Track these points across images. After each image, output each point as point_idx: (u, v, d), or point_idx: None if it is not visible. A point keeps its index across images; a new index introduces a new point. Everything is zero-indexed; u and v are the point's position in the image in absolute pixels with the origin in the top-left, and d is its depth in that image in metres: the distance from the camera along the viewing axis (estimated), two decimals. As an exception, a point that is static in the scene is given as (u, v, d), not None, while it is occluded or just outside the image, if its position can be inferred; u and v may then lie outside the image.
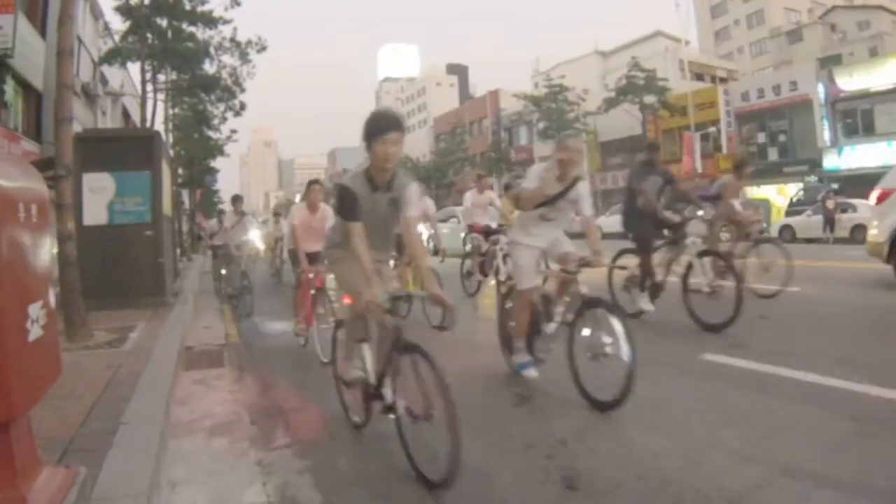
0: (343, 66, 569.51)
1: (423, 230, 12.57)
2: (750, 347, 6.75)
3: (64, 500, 2.92)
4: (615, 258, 9.53)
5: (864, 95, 36.94)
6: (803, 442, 4.14)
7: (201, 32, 23.41)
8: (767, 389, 5.30)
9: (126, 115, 34.80)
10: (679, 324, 8.37)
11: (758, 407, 4.82)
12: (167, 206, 13.49)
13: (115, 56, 23.09)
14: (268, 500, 3.68)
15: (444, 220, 23.60)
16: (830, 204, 26.82)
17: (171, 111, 30.73)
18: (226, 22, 23.47)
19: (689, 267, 8.37)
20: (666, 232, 8.72)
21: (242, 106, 27.56)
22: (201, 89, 25.77)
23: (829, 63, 44.05)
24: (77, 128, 13.06)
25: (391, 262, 5.11)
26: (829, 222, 26.58)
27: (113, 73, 29.81)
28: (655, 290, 8.81)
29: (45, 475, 2.97)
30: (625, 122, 46.16)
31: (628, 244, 9.09)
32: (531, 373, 5.80)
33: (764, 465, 3.80)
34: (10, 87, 18.98)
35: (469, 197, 12.88)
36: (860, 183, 32.87)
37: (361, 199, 4.32)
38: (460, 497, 3.64)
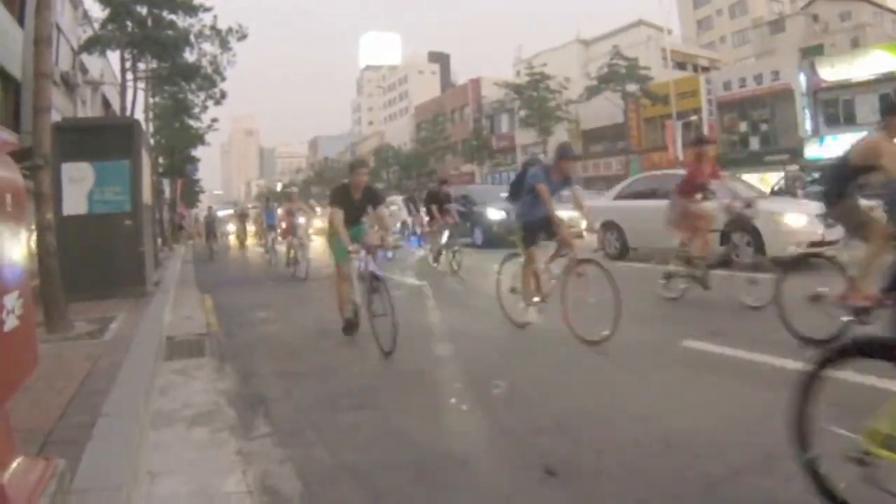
0: (324, 54, 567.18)
1: None
2: (729, 334, 6.79)
3: (43, 492, 2.91)
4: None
5: (846, 86, 37.23)
6: (782, 427, 4.17)
7: (181, 20, 23.24)
8: (746, 375, 5.35)
9: (106, 104, 34.50)
10: (659, 311, 8.44)
11: (737, 393, 4.87)
12: (147, 196, 13.43)
13: (95, 44, 22.87)
14: (248, 490, 3.68)
15: None
16: (799, 192, 26.42)
17: (151, 100, 30.53)
18: (206, 10, 23.31)
19: None
20: None
21: (223, 94, 27.39)
22: (181, 78, 25.57)
23: (811, 53, 44.43)
24: (56, 117, 12.92)
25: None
26: None
27: (93, 62, 29.50)
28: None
29: (24, 467, 2.96)
30: (607, 110, 46.23)
31: None
32: None
33: (742, 451, 3.84)
34: (-13, 76, 18.78)
35: None
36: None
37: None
38: (439, 484, 3.67)
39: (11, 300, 2.80)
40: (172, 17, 22.99)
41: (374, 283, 7.30)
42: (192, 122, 35.60)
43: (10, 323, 2.77)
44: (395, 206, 28.12)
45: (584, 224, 8.31)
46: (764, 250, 11.10)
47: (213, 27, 24.00)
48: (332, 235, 8.04)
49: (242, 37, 24.62)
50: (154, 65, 25.54)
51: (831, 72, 37.99)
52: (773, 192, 31.56)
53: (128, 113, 22.40)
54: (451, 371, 6.13)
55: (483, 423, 4.62)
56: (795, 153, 38.51)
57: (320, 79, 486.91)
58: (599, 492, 3.48)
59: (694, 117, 42.53)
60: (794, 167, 36.80)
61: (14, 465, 2.88)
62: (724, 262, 8.75)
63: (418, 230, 19.81)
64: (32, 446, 3.72)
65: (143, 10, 22.29)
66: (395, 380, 6.00)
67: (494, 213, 21.28)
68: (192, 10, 23.03)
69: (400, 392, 5.59)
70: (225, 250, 31.39)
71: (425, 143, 65.60)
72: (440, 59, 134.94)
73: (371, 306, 7.35)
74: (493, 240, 20.47)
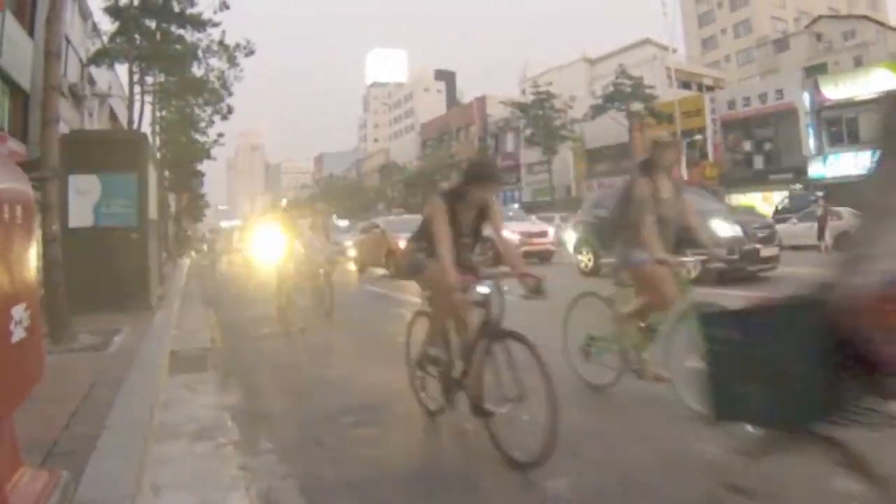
0: (330, 70, 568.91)
1: None
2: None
3: (46, 504, 2.90)
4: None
5: (849, 104, 37.22)
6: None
7: (190, 35, 23.37)
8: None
9: (113, 116, 34.69)
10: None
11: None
12: (153, 210, 13.45)
13: (104, 57, 23.01)
14: (251, 505, 3.68)
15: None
16: (819, 211, 26.23)
17: (158, 114, 30.68)
18: (214, 25, 23.45)
19: None
20: None
21: (230, 109, 27.59)
22: (189, 92, 25.74)
23: (815, 72, 44.41)
24: (64, 129, 13.00)
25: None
26: (821, 230, 25.60)
27: (101, 75, 29.71)
28: None
29: (28, 478, 2.95)
30: (611, 129, 46.35)
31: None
32: None
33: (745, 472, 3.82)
34: (-4, 87, 18.91)
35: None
36: (845, 191, 33.02)
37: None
38: (442, 502, 3.67)
39: (19, 311, 2.81)
40: (181, 31, 23.13)
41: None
42: (198, 137, 35.81)
43: (18, 334, 2.78)
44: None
45: None
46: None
47: (220, 42, 24.17)
48: None
49: (250, 53, 24.78)
50: (162, 79, 25.66)
51: (835, 90, 38.03)
52: (777, 212, 31.63)
53: (135, 126, 22.51)
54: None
55: (487, 442, 4.61)
56: (799, 172, 38.52)
57: (327, 95, 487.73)
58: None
59: (698, 136, 42.63)
60: (798, 186, 36.77)
61: (18, 476, 2.88)
62: None
63: None
64: (36, 457, 3.72)
65: (152, 24, 22.42)
66: (399, 397, 5.97)
67: (724, 228, 13.24)
68: (201, 26, 23.18)
69: (405, 409, 5.56)
70: None
71: (430, 161, 65.73)
72: (446, 77, 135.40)
73: None
74: (723, 271, 12.05)
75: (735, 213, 14.35)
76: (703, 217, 11.88)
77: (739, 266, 12.79)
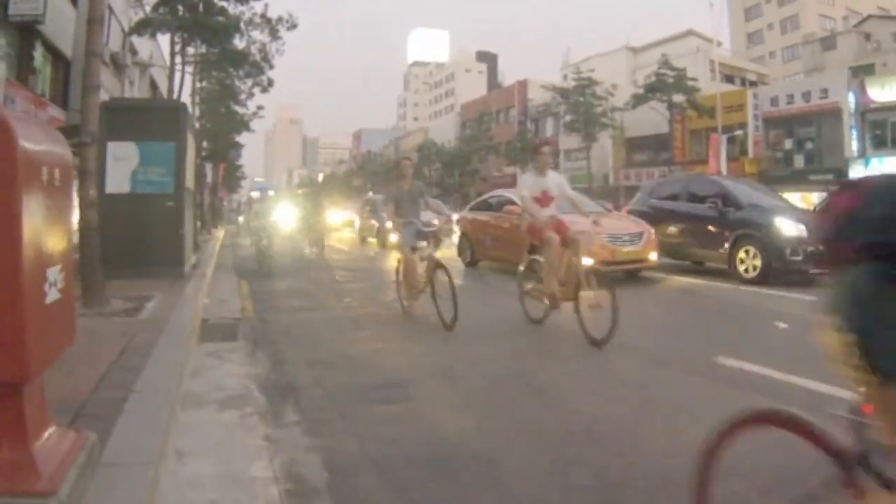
0: (372, 48, 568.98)
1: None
2: (765, 352, 6.69)
3: (73, 463, 2.94)
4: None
5: None
6: (802, 450, 4.10)
7: (232, 7, 23.40)
8: (779, 396, 5.24)
9: (153, 86, 34.92)
10: (695, 325, 8.33)
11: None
12: (190, 179, 13.55)
13: (146, 27, 23.10)
14: (274, 476, 3.69)
15: None
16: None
17: (198, 84, 30.83)
18: (257, -2, 23.51)
19: None
20: None
21: (270, 82, 27.63)
22: (230, 64, 25.79)
23: (862, 72, 43.47)
24: (104, 96, 13.09)
25: None
26: None
27: (142, 44, 29.88)
28: None
29: (55, 437, 2.99)
30: (652, 119, 45.79)
31: None
32: None
33: (771, 470, 3.78)
34: (39, 53, 19.08)
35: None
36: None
37: None
38: (465, 483, 3.65)
39: (54, 273, 2.84)
40: (224, 3, 23.17)
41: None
42: (237, 108, 36.02)
43: (52, 295, 2.81)
44: None
45: None
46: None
47: (263, 16, 24.23)
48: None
49: (292, 27, 24.81)
50: (203, 50, 25.74)
51: (881, 92, 37.20)
52: (814, 213, 31.03)
53: (175, 96, 22.63)
54: (484, 371, 6.11)
55: (513, 425, 4.60)
56: (840, 174, 37.78)
57: (367, 72, 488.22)
58: (626, 502, 3.45)
59: (739, 132, 42.04)
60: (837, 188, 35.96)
61: (46, 434, 2.92)
62: None
63: None
64: (64, 417, 3.76)
65: (196, -4, 22.48)
66: (427, 375, 5.98)
67: (789, 228, 12.43)
68: (243, -2, 23.22)
69: (432, 388, 5.57)
70: None
71: (469, 142, 65.53)
72: (488, 59, 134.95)
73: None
74: (783, 271, 12.24)
75: (798, 212, 13.43)
76: (768, 213, 13.06)
77: (801, 268, 12.01)
